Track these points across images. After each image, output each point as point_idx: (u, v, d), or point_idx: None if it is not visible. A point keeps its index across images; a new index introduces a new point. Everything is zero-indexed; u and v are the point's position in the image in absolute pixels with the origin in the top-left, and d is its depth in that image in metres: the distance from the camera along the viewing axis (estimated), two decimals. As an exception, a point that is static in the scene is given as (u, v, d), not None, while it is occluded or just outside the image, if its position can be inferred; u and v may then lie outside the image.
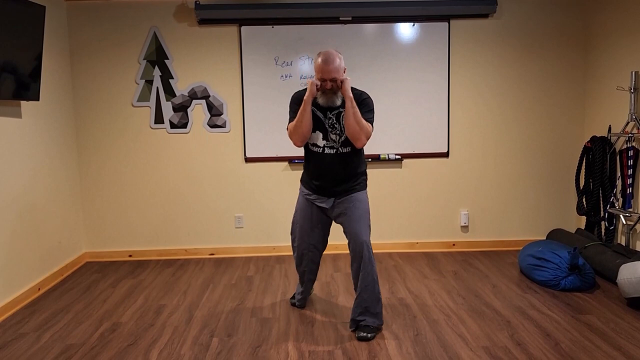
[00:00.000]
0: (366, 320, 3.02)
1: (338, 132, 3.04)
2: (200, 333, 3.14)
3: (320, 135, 3.06)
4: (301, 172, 4.75)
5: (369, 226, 3.11)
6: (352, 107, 2.89)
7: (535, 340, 2.95)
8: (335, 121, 3.03)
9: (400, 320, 3.26)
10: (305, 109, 2.96)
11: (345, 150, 3.06)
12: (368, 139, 2.98)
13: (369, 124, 2.97)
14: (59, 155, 4.36)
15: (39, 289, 3.94)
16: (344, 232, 3.11)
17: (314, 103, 3.03)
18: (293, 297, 3.59)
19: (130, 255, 4.80)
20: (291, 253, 4.84)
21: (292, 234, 3.38)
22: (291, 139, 3.05)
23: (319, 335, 3.08)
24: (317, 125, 3.06)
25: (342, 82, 2.93)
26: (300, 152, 4.70)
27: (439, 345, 2.92)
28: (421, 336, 3.04)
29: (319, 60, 2.92)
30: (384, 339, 3.00)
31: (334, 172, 3.08)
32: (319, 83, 2.95)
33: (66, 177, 4.47)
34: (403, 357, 2.78)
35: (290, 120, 3.07)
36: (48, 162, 4.18)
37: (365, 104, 3.00)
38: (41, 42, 3.75)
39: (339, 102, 3.00)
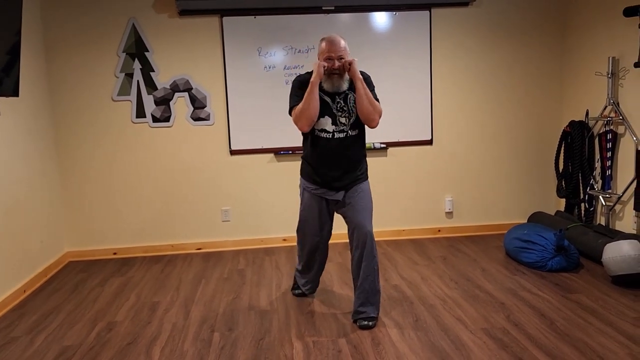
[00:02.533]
0: (367, 311, 3.05)
1: (347, 114, 3.01)
2: (200, 328, 3.12)
3: (330, 120, 3.00)
4: (287, 162, 4.73)
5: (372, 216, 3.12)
6: (363, 88, 2.90)
7: (531, 320, 3.04)
8: (344, 104, 3.00)
9: (398, 307, 3.31)
10: (313, 91, 2.88)
11: (354, 132, 3.05)
12: (380, 117, 3.01)
13: (378, 102, 3.01)
14: (38, 152, 4.23)
15: (25, 291, 3.83)
16: (347, 221, 3.08)
17: (320, 88, 2.97)
18: (296, 288, 3.57)
19: (114, 253, 4.71)
20: (280, 245, 4.83)
21: (299, 231, 3.27)
22: (297, 124, 2.96)
23: (320, 325, 3.09)
24: (325, 110, 2.99)
25: (350, 63, 2.89)
26: (286, 143, 4.68)
27: (439, 329, 2.98)
28: (421, 321, 3.09)
29: (325, 40, 2.93)
30: (385, 326, 3.03)
31: (342, 157, 3.03)
32: (326, 64, 2.90)
33: (46, 174, 4.34)
34: (407, 343, 2.82)
35: (295, 104, 2.98)
36: (27, 160, 4.04)
37: (368, 82, 3.02)
38: (18, 35, 3.61)
39: (346, 86, 2.98)
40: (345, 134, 3.02)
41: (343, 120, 3.01)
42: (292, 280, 3.81)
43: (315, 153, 3.08)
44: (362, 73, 3.00)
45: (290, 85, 4.58)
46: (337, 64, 2.91)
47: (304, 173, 3.20)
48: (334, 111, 3.00)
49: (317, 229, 3.20)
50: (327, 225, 3.22)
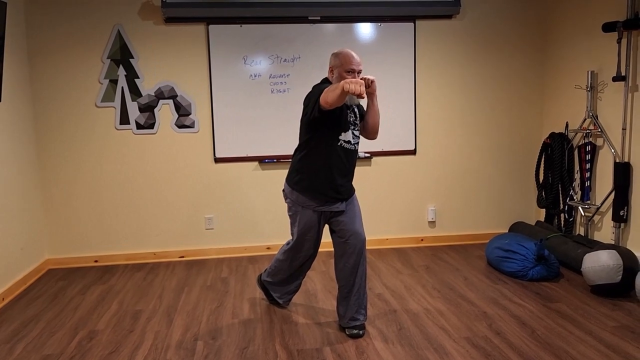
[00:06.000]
0: (360, 318, 3.06)
1: (358, 127, 3.08)
2: (184, 337, 3.10)
3: (351, 133, 3.01)
4: (271, 171, 4.73)
5: None
6: (377, 106, 3.03)
7: (512, 329, 3.08)
8: (355, 118, 3.05)
9: (382, 316, 3.33)
10: (343, 95, 2.62)
11: (358, 145, 3.13)
12: None
13: None
14: (19, 158, 4.17)
15: (3, 299, 3.76)
16: (340, 229, 3.04)
17: None
18: (271, 299, 3.55)
19: (96, 261, 4.65)
20: (264, 253, 4.82)
21: (292, 250, 3.19)
22: (325, 97, 2.71)
23: (304, 333, 3.09)
24: (348, 122, 2.98)
25: (372, 81, 2.90)
26: (270, 151, 4.68)
27: (423, 338, 3.00)
28: (404, 330, 3.11)
29: (343, 53, 2.92)
30: (370, 335, 3.05)
31: (353, 167, 3.09)
32: (362, 94, 2.55)
33: (27, 181, 4.28)
34: (390, 352, 2.84)
35: (324, 89, 2.78)
36: (7, 165, 3.99)
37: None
38: (1, 40, 3.58)
39: (357, 102, 3.03)
40: (358, 145, 3.11)
41: (356, 132, 3.06)
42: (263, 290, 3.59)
43: (337, 165, 2.98)
44: None
45: (274, 96, 4.64)
46: (356, 76, 2.90)
47: (305, 190, 3.02)
48: (349, 124, 3.01)
49: (313, 244, 3.15)
50: (320, 240, 3.19)
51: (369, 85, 2.92)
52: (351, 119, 3.02)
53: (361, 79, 2.90)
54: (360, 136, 3.16)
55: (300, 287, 3.82)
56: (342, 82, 2.58)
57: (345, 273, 3.06)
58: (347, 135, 2.98)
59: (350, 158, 3.05)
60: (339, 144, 2.96)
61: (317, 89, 2.89)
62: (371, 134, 3.11)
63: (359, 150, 3.24)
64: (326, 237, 3.48)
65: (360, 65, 2.93)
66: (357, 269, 3.04)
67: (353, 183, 4.69)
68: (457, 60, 4.86)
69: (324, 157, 2.96)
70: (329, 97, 2.68)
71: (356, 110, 3.09)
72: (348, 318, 3.07)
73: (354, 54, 2.94)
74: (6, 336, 3.18)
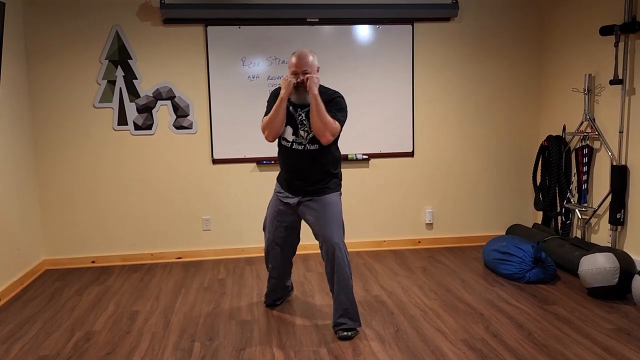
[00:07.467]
0: (347, 322, 3.05)
1: (307, 128, 3.06)
2: (181, 338, 3.09)
3: (291, 130, 3.09)
4: (269, 172, 4.75)
5: (342, 228, 3.12)
6: (315, 104, 2.93)
7: (509, 331, 3.08)
8: (304, 118, 3.05)
9: (379, 317, 3.33)
10: (281, 106, 3.00)
11: (312, 147, 3.07)
12: (334, 136, 3.01)
13: (336, 122, 2.98)
14: (16, 159, 4.17)
15: (0, 300, 3.75)
16: (315, 234, 3.11)
17: (288, 99, 3.05)
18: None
19: (93, 262, 4.64)
20: (261, 254, 4.80)
21: (263, 230, 3.42)
22: (263, 133, 3.10)
23: (301, 335, 3.09)
24: (289, 120, 3.09)
25: (307, 79, 2.94)
26: (268, 152, 4.69)
27: (419, 340, 3.00)
28: (401, 332, 3.11)
29: (293, 54, 3.02)
30: (367, 337, 3.05)
31: (301, 168, 3.11)
32: (295, 81, 2.99)
33: (23, 182, 4.28)
34: (387, 353, 2.84)
35: (266, 114, 3.10)
36: (4, 166, 3.98)
37: (336, 102, 3.04)
38: (0, 42, 3.57)
39: (307, 99, 3.02)
40: (303, 146, 3.08)
41: (302, 133, 3.07)
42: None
43: (280, 158, 3.23)
44: (333, 93, 3.06)
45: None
46: (301, 77, 2.98)
47: (278, 176, 3.34)
48: (297, 123, 3.07)
49: (273, 228, 3.29)
50: (281, 228, 3.27)
51: (304, 82, 2.96)
52: (299, 119, 3.07)
53: (305, 77, 2.97)
54: (313, 138, 3.08)
55: (294, 290, 3.81)
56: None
57: (327, 277, 3.12)
58: (284, 132, 3.10)
59: (296, 157, 3.09)
60: (280, 141, 3.17)
61: (267, 107, 3.15)
62: (317, 136, 2.99)
63: (320, 152, 3.12)
64: (304, 240, 3.55)
65: (304, 65, 2.97)
66: (333, 274, 3.04)
67: (351, 184, 4.72)
68: (455, 63, 4.87)
69: (279, 153, 3.23)
70: (264, 132, 3.07)
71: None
72: (334, 322, 3.09)
73: (301, 55, 2.98)
74: (3, 337, 3.17)
